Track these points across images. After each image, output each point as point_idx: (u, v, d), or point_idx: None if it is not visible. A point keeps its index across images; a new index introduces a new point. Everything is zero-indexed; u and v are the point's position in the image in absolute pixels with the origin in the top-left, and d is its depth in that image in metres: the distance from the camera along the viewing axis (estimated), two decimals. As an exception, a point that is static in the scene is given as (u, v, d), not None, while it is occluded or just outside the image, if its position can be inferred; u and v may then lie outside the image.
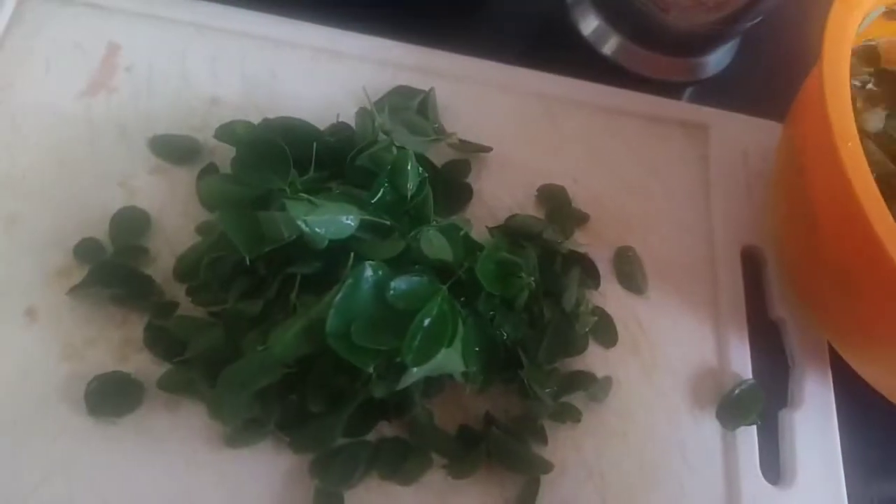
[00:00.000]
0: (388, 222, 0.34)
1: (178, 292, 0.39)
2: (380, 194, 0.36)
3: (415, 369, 0.31)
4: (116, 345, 0.38)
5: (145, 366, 0.37)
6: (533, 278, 0.36)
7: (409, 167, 0.36)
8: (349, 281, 0.31)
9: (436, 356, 0.30)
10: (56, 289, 0.38)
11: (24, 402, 0.36)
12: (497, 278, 0.35)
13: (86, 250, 0.39)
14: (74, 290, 0.38)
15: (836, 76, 0.35)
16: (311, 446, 0.36)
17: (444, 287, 0.33)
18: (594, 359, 0.42)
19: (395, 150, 0.39)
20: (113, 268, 0.38)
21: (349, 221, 0.33)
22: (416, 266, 0.34)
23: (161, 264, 0.40)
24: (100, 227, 0.40)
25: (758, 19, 0.51)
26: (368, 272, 0.32)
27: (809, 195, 0.41)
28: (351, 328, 0.31)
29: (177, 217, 0.41)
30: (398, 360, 0.31)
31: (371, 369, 0.31)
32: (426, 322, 0.31)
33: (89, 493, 0.35)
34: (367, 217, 0.34)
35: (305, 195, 0.33)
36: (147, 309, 0.38)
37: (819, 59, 0.38)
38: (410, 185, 0.36)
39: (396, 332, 0.31)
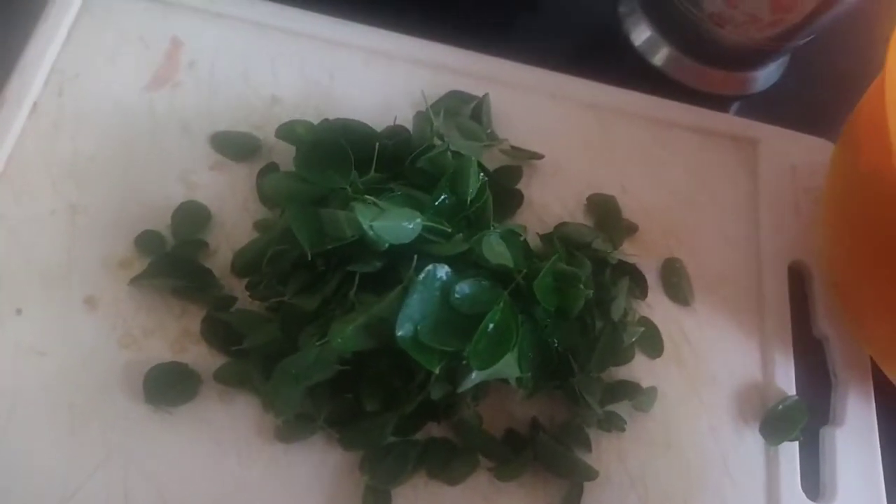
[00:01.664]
0: (448, 229, 0.35)
1: (235, 286, 0.40)
2: (441, 199, 0.36)
3: (474, 374, 0.32)
4: (175, 336, 0.38)
5: (202, 358, 0.38)
6: (591, 290, 0.36)
7: (470, 173, 0.36)
8: (421, 279, 0.32)
9: (499, 361, 0.31)
10: (116, 278, 0.39)
11: (83, 388, 0.37)
12: (554, 291, 0.35)
13: (147, 242, 0.40)
14: (136, 280, 0.38)
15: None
16: (361, 443, 0.37)
17: (506, 293, 0.33)
18: (639, 369, 0.42)
19: (450, 156, 0.39)
20: (174, 260, 0.39)
21: (412, 227, 0.33)
22: (477, 270, 0.34)
23: (219, 258, 0.40)
24: (160, 219, 0.41)
25: (810, 37, 0.51)
26: (439, 273, 0.32)
27: (863, 214, 0.41)
28: (417, 328, 0.31)
29: (236, 213, 0.42)
30: (464, 362, 0.31)
31: (436, 370, 0.31)
32: (490, 327, 0.32)
33: (143, 480, 0.36)
34: (429, 223, 0.34)
35: (371, 198, 0.34)
36: (206, 301, 0.39)
37: (880, 79, 0.39)
38: (471, 191, 0.36)
39: (460, 335, 0.32)
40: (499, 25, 0.54)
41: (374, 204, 0.34)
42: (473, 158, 0.37)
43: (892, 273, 0.39)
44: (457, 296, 0.32)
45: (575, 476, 0.38)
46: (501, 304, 0.33)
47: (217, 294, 0.39)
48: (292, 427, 0.36)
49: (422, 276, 0.33)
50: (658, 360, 0.43)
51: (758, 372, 0.44)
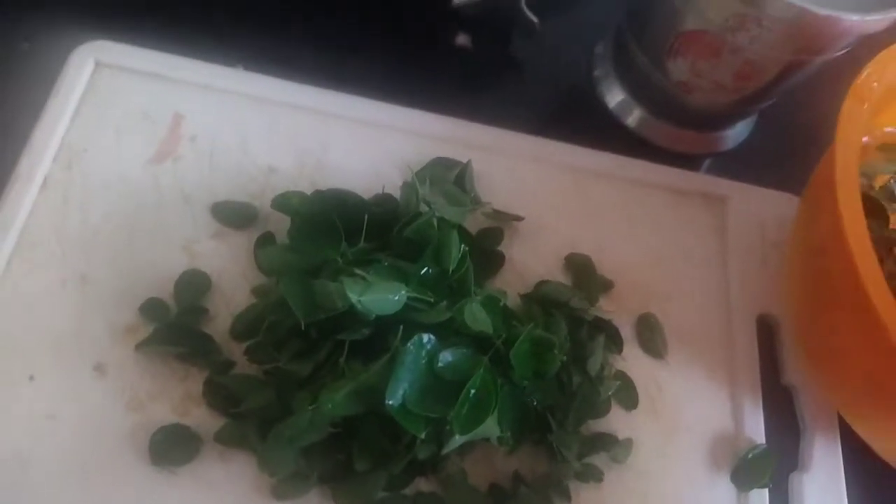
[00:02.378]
0: (431, 299, 0.38)
1: (234, 349, 0.42)
2: (425, 270, 0.39)
3: (458, 437, 0.34)
4: (178, 398, 0.41)
5: (203, 419, 0.41)
6: (564, 356, 0.39)
7: (452, 245, 0.39)
8: (409, 350, 0.35)
9: (481, 425, 0.34)
10: (123, 345, 0.42)
11: (92, 450, 0.39)
12: (531, 356, 0.38)
13: (151, 309, 0.42)
14: (141, 347, 0.41)
15: (848, 181, 0.38)
16: (354, 500, 0.39)
17: (486, 358, 0.36)
18: (616, 420, 0.45)
19: (436, 223, 0.42)
20: (177, 328, 0.42)
21: (397, 298, 0.36)
22: (459, 335, 0.37)
23: (219, 323, 0.43)
24: (164, 287, 0.43)
25: (772, 100, 0.54)
26: (425, 342, 0.35)
27: (823, 273, 0.44)
28: (405, 396, 0.34)
29: (235, 279, 0.44)
30: (448, 427, 0.34)
31: (422, 435, 0.34)
32: (471, 393, 0.34)
33: (149, 536, 0.38)
34: (413, 294, 0.37)
35: (360, 272, 0.37)
36: (207, 366, 0.41)
37: (830, 154, 0.42)
38: (453, 262, 0.39)
39: (444, 401, 0.34)
40: (480, 90, 0.57)
41: (363, 278, 0.36)
42: (455, 232, 0.40)
43: (847, 329, 0.41)
44: (440, 364, 0.35)
45: (555, 527, 0.40)
46: (482, 371, 0.35)
47: (217, 359, 0.41)
48: (288, 485, 0.39)
49: (409, 346, 0.35)
50: (633, 412, 0.45)
51: (729, 421, 0.46)
